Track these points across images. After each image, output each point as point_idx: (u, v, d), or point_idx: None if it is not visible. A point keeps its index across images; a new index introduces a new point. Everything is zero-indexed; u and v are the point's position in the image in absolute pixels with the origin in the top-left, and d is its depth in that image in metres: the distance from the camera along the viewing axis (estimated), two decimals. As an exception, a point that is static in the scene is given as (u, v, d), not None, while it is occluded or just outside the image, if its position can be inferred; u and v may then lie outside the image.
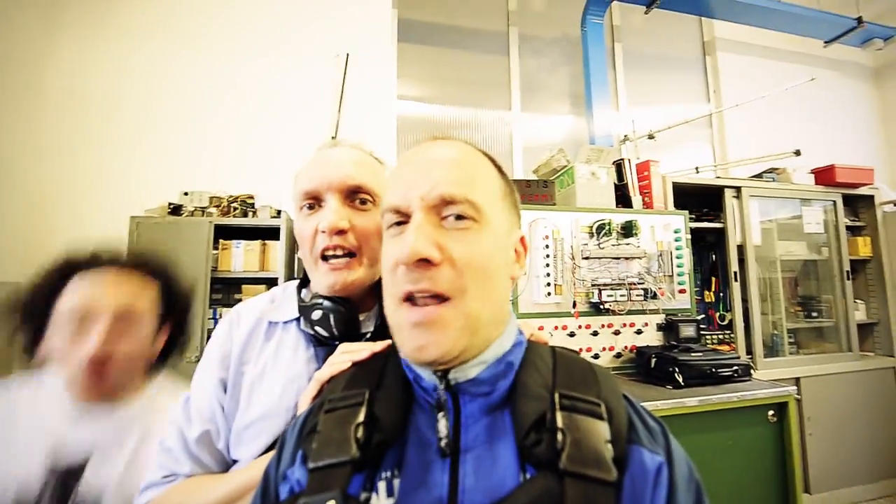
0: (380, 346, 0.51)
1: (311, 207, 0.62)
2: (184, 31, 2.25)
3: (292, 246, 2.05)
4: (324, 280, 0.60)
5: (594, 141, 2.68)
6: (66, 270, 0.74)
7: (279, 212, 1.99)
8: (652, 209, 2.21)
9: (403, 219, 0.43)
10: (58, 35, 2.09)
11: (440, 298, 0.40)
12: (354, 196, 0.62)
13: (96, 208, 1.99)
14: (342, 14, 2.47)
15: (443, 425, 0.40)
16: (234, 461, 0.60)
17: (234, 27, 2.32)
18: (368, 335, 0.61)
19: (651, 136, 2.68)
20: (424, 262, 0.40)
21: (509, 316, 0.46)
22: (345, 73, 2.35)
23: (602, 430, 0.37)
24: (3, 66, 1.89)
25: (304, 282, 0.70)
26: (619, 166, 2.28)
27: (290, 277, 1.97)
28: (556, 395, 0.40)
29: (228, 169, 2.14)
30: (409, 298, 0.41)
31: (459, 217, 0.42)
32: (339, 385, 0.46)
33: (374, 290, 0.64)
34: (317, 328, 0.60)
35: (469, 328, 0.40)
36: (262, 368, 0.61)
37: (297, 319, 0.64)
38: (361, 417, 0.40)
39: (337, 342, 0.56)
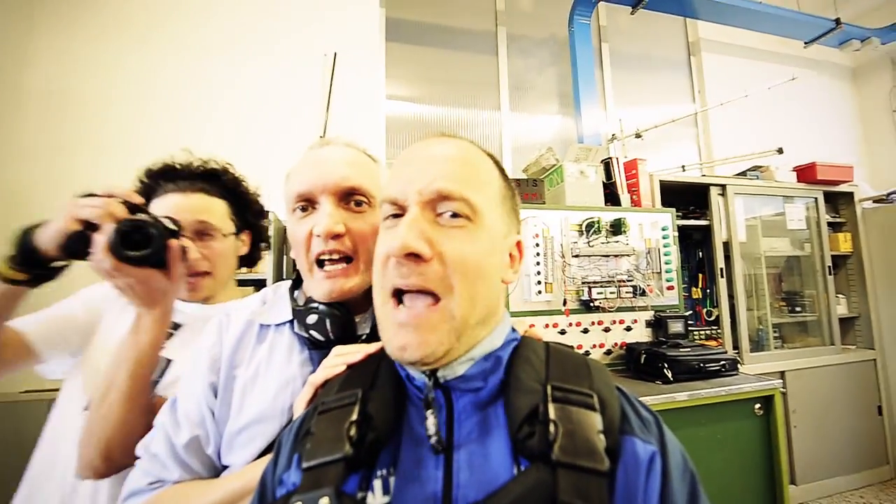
0: (374, 347, 0.51)
1: (304, 210, 0.61)
2: (173, 33, 2.21)
3: (281, 247, 2.02)
4: (320, 288, 0.59)
5: (582, 140, 2.70)
6: (150, 184, 0.85)
7: (267, 213, 1.97)
8: (640, 207, 2.24)
9: (400, 212, 0.43)
10: (46, 35, 2.04)
11: (428, 294, 0.40)
12: (349, 198, 0.61)
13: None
14: (329, 14, 2.45)
15: (431, 422, 0.40)
16: (225, 467, 0.58)
17: (222, 29, 2.28)
18: (364, 337, 0.61)
19: (638, 135, 2.71)
20: (414, 257, 0.40)
21: (501, 317, 0.47)
22: (332, 73, 2.34)
23: (594, 420, 0.38)
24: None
25: (297, 282, 0.68)
26: (607, 165, 2.30)
27: (278, 279, 1.95)
28: (549, 388, 0.40)
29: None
30: (397, 294, 0.41)
31: (455, 215, 0.42)
32: (334, 388, 0.46)
33: (370, 292, 0.63)
34: (312, 332, 0.59)
35: (455, 331, 0.40)
36: (255, 371, 0.60)
37: (291, 322, 0.63)
38: (354, 416, 0.40)
39: (332, 345, 0.55)
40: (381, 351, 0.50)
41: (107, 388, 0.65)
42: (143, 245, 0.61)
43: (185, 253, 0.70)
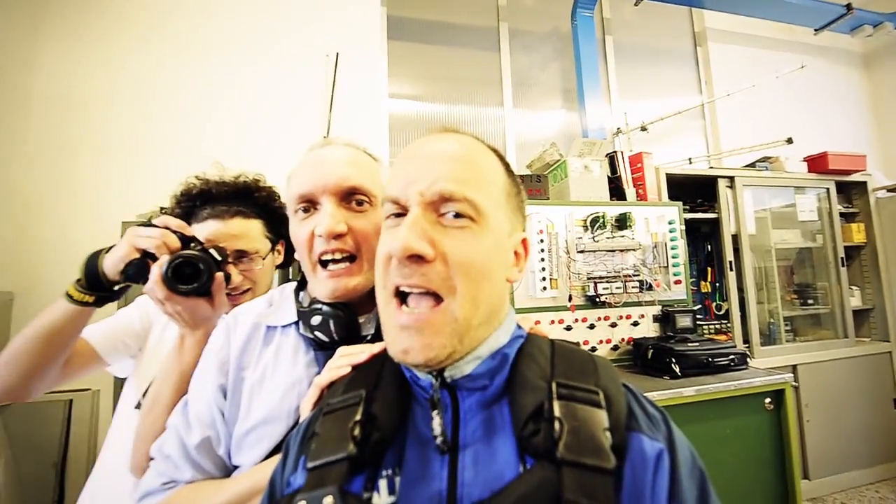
0: (378, 347, 0.51)
1: (305, 211, 0.61)
2: (174, 34, 2.22)
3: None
4: (323, 287, 0.59)
5: (587, 134, 2.68)
6: (187, 207, 0.89)
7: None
8: (646, 201, 2.21)
9: (401, 211, 0.43)
10: (49, 37, 2.06)
11: (430, 295, 0.40)
12: (350, 198, 0.61)
13: (87, 213, 1.97)
14: (330, 14, 2.45)
15: (437, 423, 0.40)
16: (235, 467, 0.59)
17: (222, 29, 2.29)
18: (369, 337, 0.61)
19: (644, 129, 2.68)
20: (416, 258, 0.39)
21: (505, 315, 0.46)
22: (335, 73, 2.34)
23: (600, 418, 0.37)
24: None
25: (302, 284, 0.69)
26: (612, 159, 2.28)
27: (284, 280, 1.96)
28: (554, 385, 0.39)
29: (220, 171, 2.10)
30: (399, 294, 0.41)
31: (458, 215, 0.41)
32: (339, 389, 0.46)
33: (374, 292, 0.64)
34: (317, 333, 0.59)
35: (457, 333, 0.40)
36: (262, 373, 0.60)
37: (296, 323, 0.63)
38: (358, 416, 0.40)
39: (337, 346, 0.56)
40: (386, 351, 0.50)
41: (153, 400, 0.70)
42: (192, 278, 0.67)
43: (229, 280, 0.75)
